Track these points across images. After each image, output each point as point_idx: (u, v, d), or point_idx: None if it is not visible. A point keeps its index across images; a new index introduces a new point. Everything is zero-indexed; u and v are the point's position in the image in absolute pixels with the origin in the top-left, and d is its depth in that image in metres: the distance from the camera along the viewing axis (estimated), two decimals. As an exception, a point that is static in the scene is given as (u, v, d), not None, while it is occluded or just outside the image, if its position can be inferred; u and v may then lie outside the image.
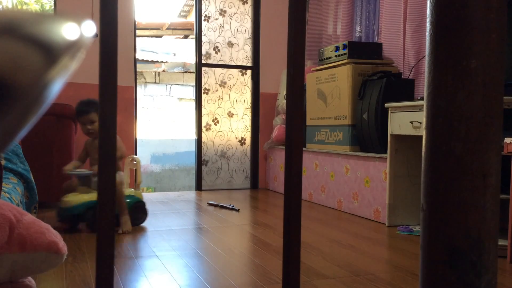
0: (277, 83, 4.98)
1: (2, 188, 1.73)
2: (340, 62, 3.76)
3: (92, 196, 2.81)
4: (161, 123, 9.76)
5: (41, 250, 1.21)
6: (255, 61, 4.97)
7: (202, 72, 4.83)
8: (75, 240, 2.60)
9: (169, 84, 10.61)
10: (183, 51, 11.13)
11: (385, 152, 3.15)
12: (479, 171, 0.56)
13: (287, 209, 0.69)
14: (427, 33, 0.59)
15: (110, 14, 0.61)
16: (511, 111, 2.22)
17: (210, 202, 3.94)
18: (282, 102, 4.79)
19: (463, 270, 0.57)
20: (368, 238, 2.77)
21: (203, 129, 4.85)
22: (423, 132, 0.61)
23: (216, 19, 4.86)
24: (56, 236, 1.26)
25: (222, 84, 4.91)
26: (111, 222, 0.68)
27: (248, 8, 4.96)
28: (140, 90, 9.92)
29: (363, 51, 3.74)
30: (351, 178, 3.53)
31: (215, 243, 2.60)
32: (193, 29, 5.06)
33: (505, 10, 0.57)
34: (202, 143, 4.84)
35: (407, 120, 2.89)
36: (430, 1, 0.59)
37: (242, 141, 5.00)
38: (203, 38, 4.81)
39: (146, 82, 10.32)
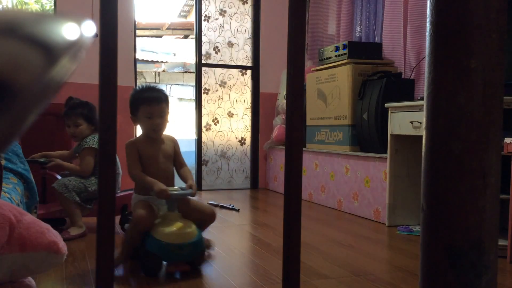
0: (277, 83, 4.98)
1: (2, 188, 1.73)
2: (340, 62, 3.76)
3: (191, 228, 2.08)
4: (161, 123, 9.75)
5: (41, 250, 1.21)
6: (255, 61, 4.97)
7: (202, 72, 4.83)
8: (75, 240, 2.60)
9: (169, 84, 10.62)
10: (183, 51, 11.14)
11: (385, 152, 3.15)
12: (479, 171, 0.56)
13: (287, 209, 0.69)
14: (427, 33, 0.59)
15: (110, 14, 0.61)
16: (511, 111, 2.22)
17: (210, 202, 3.93)
18: (282, 102, 4.79)
19: (463, 270, 0.57)
20: (368, 238, 2.77)
21: (203, 129, 4.85)
22: (423, 132, 0.61)
23: (216, 19, 4.86)
24: (56, 236, 1.26)
25: (222, 84, 4.91)
26: (111, 222, 0.68)
27: (248, 8, 4.96)
28: (140, 90, 9.90)
29: (363, 51, 3.74)
30: (351, 178, 3.53)
31: (215, 243, 2.60)
32: (193, 29, 5.06)
33: (505, 10, 0.57)
34: (202, 143, 4.84)
35: (407, 120, 2.89)
36: (430, 1, 0.59)
37: (242, 141, 4.99)
38: (203, 38, 4.81)
39: (146, 82, 10.33)
